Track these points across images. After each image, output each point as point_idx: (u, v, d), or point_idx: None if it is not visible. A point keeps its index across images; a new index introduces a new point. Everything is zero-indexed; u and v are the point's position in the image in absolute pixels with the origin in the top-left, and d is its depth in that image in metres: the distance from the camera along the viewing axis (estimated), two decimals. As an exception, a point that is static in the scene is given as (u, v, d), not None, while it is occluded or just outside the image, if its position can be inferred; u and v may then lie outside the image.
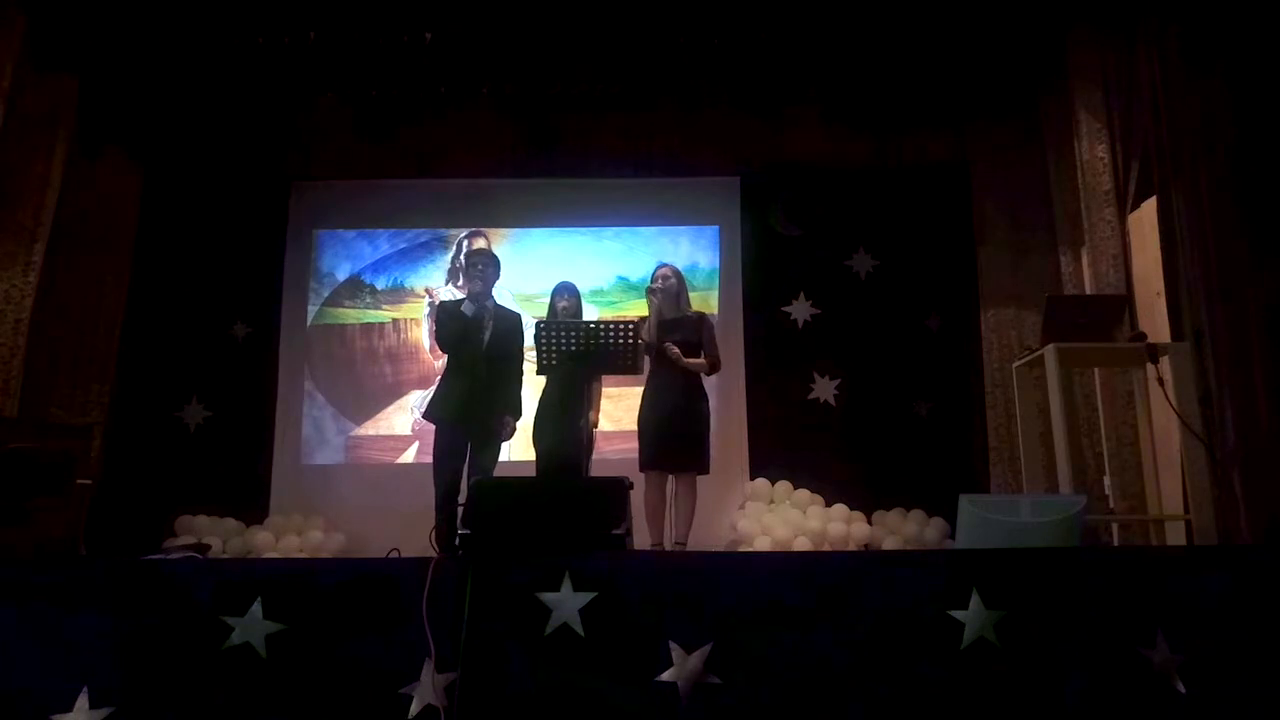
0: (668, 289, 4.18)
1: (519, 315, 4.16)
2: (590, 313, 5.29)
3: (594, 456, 3.93)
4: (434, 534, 3.10)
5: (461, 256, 6.21)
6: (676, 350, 4.03)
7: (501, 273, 4.15)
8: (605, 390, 4.47)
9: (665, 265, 4.34)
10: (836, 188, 6.32)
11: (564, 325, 3.54)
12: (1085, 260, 4.79)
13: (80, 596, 1.84)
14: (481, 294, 3.97)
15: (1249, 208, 3.80)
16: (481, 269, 4.00)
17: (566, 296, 4.25)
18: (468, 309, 3.93)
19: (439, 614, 1.81)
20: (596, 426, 4.09)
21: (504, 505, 2.14)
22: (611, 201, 6.40)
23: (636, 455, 4.14)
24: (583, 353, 3.42)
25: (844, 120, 6.07)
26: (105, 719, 1.74)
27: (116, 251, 5.66)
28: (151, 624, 1.82)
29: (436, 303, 5.96)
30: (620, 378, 4.20)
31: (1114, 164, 4.63)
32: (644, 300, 4.30)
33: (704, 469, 4.12)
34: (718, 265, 6.37)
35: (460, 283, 6.05)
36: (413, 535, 2.77)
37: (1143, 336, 3.68)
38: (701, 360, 4.12)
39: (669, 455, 4.06)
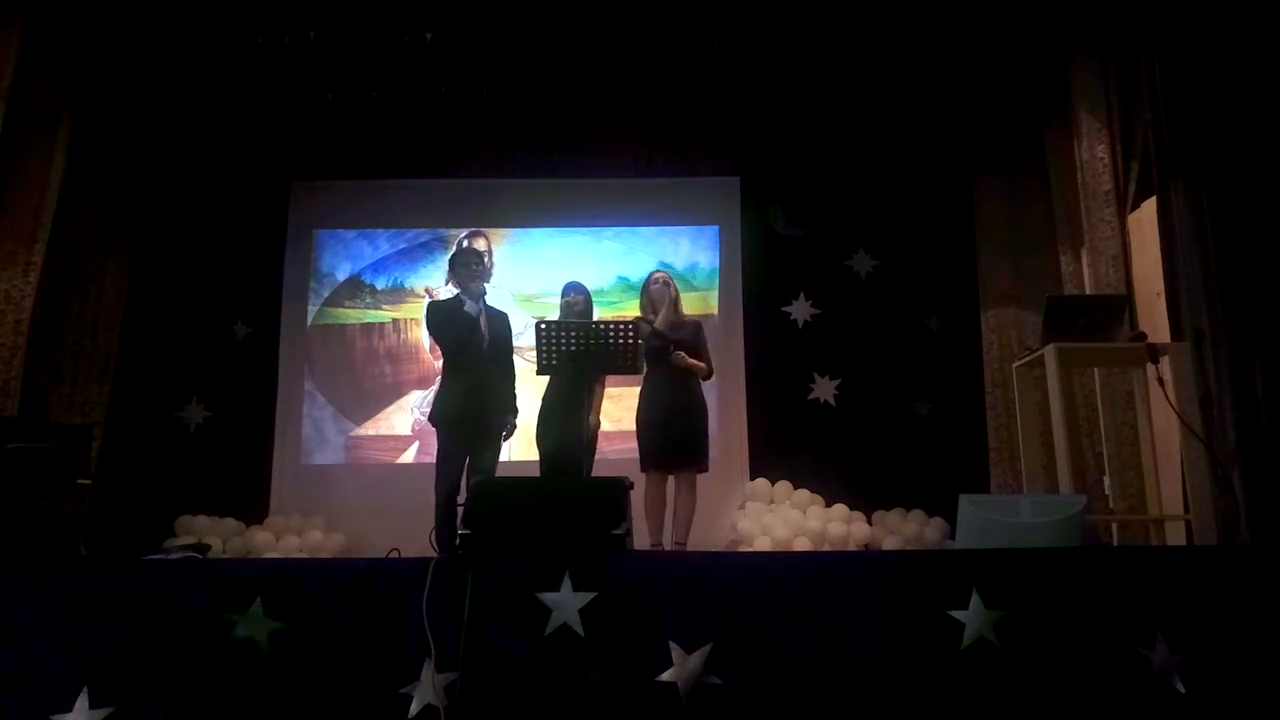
0: (672, 293, 4.22)
1: (506, 314, 4.19)
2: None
3: (594, 456, 3.94)
4: (434, 534, 3.11)
5: (455, 255, 6.21)
6: (683, 354, 4.07)
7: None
8: (605, 390, 4.47)
9: (662, 270, 4.38)
10: (836, 188, 6.33)
11: (565, 325, 3.54)
12: (1085, 260, 4.79)
13: (81, 596, 1.84)
14: (480, 293, 3.98)
15: (1249, 208, 3.80)
16: (477, 268, 4.02)
17: (573, 294, 4.28)
18: (471, 309, 3.92)
19: (439, 614, 1.81)
20: (599, 427, 4.10)
21: (504, 505, 2.13)
22: (611, 201, 6.40)
23: (637, 455, 4.15)
24: (584, 353, 3.42)
25: (844, 121, 6.06)
26: (105, 719, 1.74)
27: (117, 251, 5.66)
28: (152, 624, 1.82)
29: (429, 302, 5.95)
30: (621, 378, 4.21)
31: (1114, 164, 4.62)
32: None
33: (704, 468, 4.14)
34: (718, 265, 6.37)
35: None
36: (413, 535, 2.76)
37: (1143, 336, 3.67)
38: (701, 364, 4.15)
39: (669, 455, 4.07)
